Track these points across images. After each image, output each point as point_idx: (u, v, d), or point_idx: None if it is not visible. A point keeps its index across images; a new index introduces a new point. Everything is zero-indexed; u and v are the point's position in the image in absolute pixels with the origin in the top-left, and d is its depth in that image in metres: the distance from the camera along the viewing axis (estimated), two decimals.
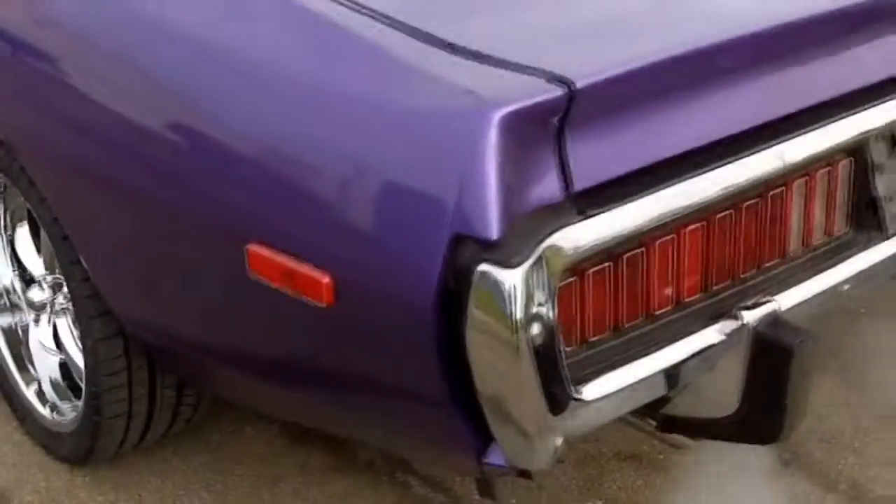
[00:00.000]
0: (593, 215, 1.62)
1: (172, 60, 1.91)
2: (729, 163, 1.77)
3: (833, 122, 1.92)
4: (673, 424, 1.99)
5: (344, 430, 2.20)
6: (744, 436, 1.93)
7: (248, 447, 2.70)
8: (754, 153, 1.80)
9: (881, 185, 2.13)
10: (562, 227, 1.58)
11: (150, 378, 2.37)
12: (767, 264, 1.95)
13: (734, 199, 1.83)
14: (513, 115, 1.54)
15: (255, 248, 1.76)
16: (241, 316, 1.95)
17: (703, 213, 1.79)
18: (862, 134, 1.99)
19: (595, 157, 1.65)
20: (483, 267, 1.53)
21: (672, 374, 1.77)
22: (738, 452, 2.63)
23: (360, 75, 1.69)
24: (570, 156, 1.61)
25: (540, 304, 1.56)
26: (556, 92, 1.57)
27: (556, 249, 1.57)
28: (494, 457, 1.70)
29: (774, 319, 1.84)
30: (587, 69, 1.61)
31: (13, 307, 2.64)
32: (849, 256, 2.07)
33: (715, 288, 1.87)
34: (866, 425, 2.83)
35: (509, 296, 1.52)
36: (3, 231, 2.60)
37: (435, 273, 1.56)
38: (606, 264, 1.70)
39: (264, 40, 1.82)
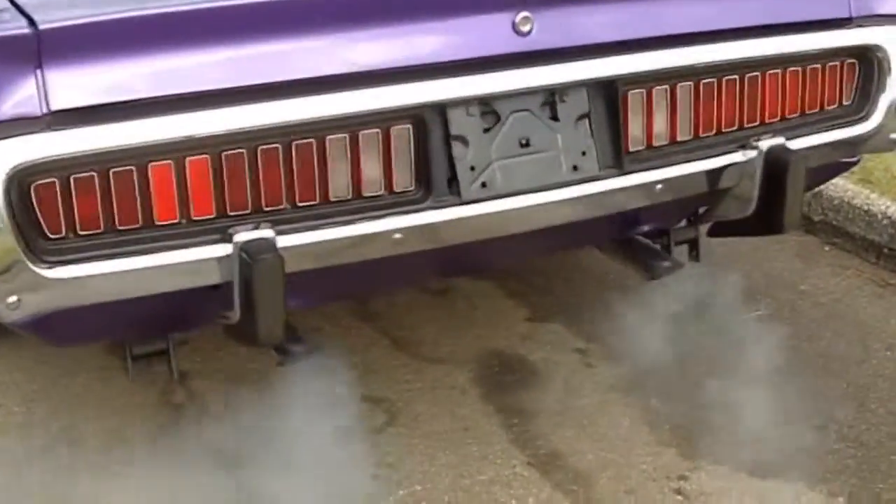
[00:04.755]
0: (58, 130, 1.98)
1: None
2: (215, 109, 2.06)
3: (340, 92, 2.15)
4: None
5: None
6: (241, 338, 2.20)
7: None
8: (251, 105, 2.08)
9: (464, 155, 2.31)
10: (19, 134, 1.95)
11: None
12: (303, 203, 2.19)
13: (242, 141, 2.10)
14: None
15: None
16: None
17: (204, 147, 2.08)
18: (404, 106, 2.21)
19: (75, 87, 1.99)
20: None
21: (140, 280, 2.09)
22: None
23: None
24: (49, 83, 1.97)
25: None
26: (24, 30, 1.95)
27: (9, 149, 1.94)
28: None
29: (256, 242, 2.10)
30: (54, 17, 1.98)
31: None
32: (408, 212, 2.27)
33: (232, 213, 2.14)
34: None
35: None
36: None
37: None
38: (92, 173, 2.03)
39: None
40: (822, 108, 2.69)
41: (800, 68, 2.63)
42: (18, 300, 2.02)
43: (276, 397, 2.76)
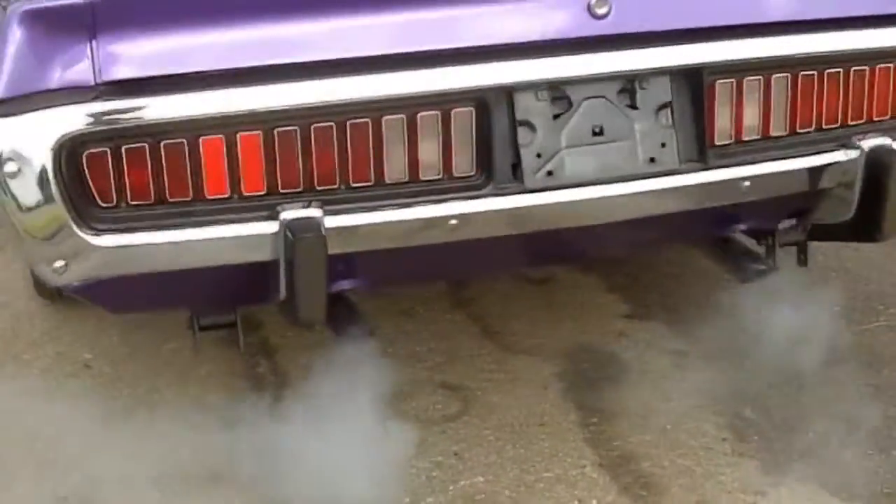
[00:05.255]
0: (110, 101, 1.98)
1: None
2: (263, 85, 2.02)
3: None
4: None
5: None
6: (287, 316, 2.16)
7: None
8: (296, 83, 2.04)
9: (530, 141, 2.20)
10: (71, 103, 1.96)
11: None
12: (357, 184, 2.14)
13: (296, 118, 2.06)
14: (37, 12, 1.95)
15: None
16: None
17: (257, 123, 2.05)
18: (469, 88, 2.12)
19: (127, 59, 1.99)
20: None
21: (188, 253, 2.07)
22: None
23: None
24: (102, 53, 1.97)
25: (33, 154, 1.95)
26: (79, 0, 1.96)
27: (60, 117, 1.96)
28: None
29: (301, 221, 2.05)
30: None
31: None
32: (467, 197, 2.18)
33: (283, 191, 2.10)
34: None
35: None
36: None
37: None
38: (143, 144, 2.02)
39: None
40: None
41: None
42: (65, 265, 2.04)
43: (356, 377, 2.73)
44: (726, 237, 2.70)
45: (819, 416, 2.68)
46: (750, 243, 2.90)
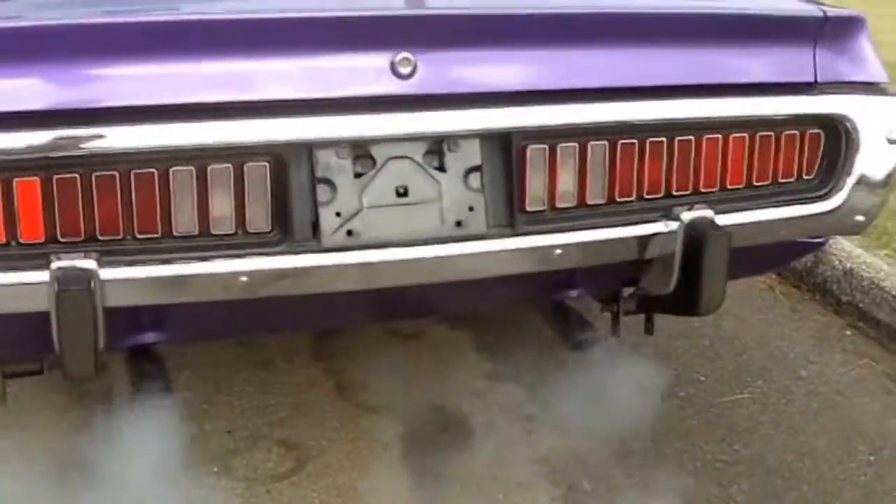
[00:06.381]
0: None
1: None
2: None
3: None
4: None
5: None
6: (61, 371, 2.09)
7: None
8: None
9: (330, 200, 2.14)
10: None
11: None
12: (143, 236, 2.07)
13: (75, 166, 2.00)
14: None
15: None
16: None
17: (34, 169, 1.99)
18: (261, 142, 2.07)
19: None
20: None
21: None
22: None
23: None
24: None
25: None
26: None
27: None
28: None
29: (71, 272, 1.99)
30: None
31: None
32: (260, 254, 2.12)
33: (63, 239, 2.04)
34: None
35: None
36: None
37: None
38: None
39: None
40: (774, 181, 2.40)
41: (747, 135, 2.35)
42: None
43: (187, 434, 2.66)
44: (559, 304, 2.63)
45: (656, 491, 2.61)
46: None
